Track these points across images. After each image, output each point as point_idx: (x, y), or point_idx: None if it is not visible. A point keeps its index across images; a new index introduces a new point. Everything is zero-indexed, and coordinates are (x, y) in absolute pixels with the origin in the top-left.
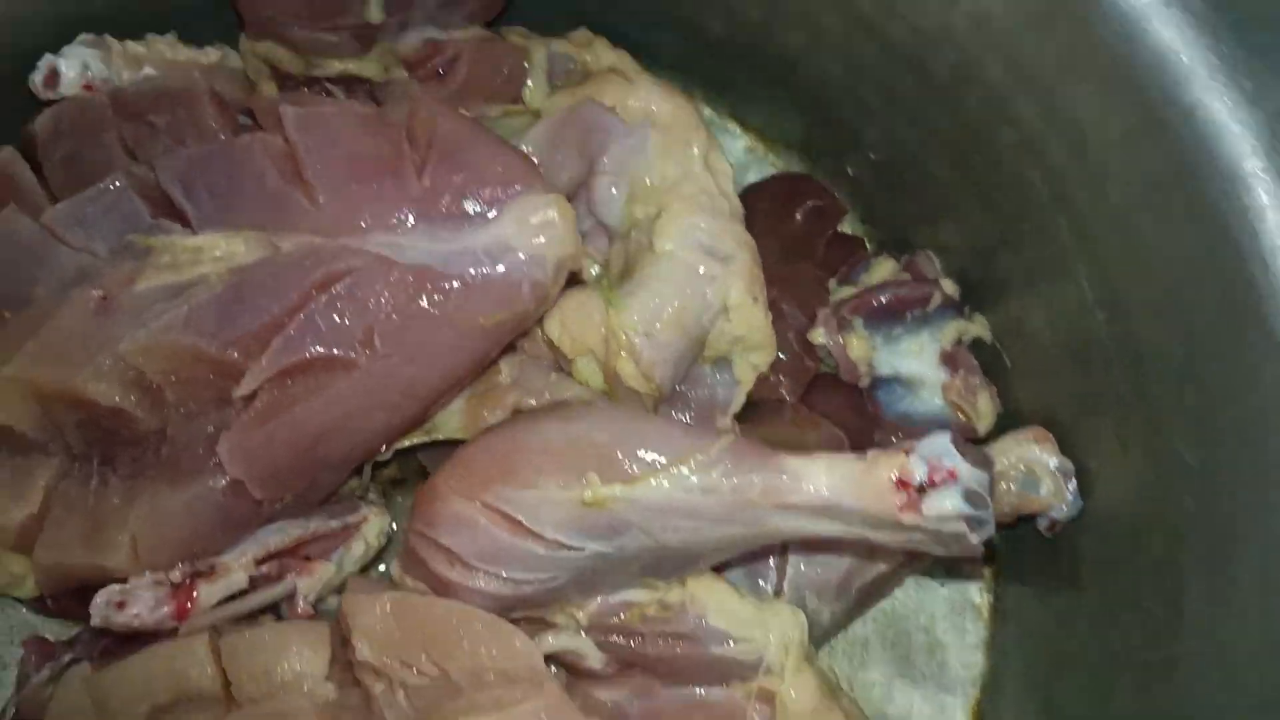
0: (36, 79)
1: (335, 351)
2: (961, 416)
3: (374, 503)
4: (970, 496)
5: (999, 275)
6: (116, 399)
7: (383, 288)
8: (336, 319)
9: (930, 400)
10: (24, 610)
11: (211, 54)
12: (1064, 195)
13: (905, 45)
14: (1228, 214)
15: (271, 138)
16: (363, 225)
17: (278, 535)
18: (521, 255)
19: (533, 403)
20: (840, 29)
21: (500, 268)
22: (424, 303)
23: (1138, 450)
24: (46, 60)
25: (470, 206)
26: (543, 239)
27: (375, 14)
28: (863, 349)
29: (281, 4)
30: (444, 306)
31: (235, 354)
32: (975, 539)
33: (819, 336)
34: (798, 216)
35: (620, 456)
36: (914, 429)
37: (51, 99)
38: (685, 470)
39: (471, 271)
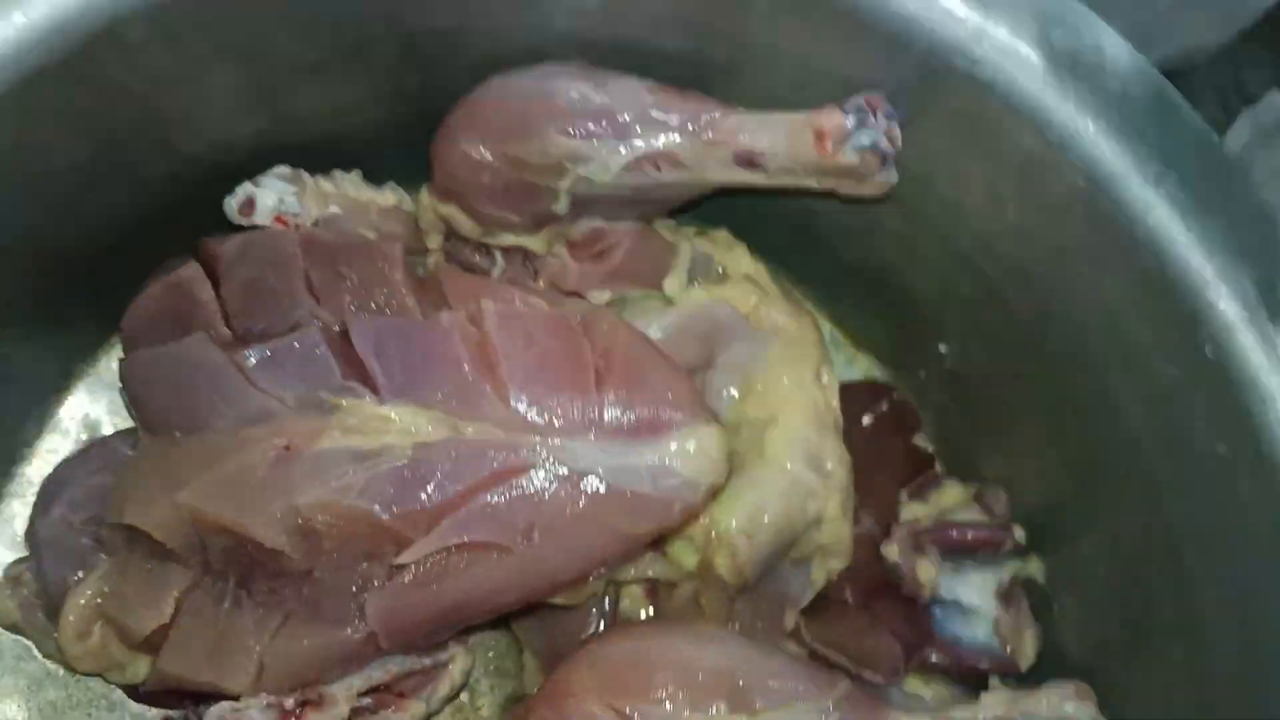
0: (233, 204)
1: (497, 538)
2: (1007, 650)
3: (461, 641)
4: None
5: (1065, 526)
6: (280, 544)
7: (551, 488)
8: (505, 509)
9: (980, 628)
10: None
11: (389, 197)
12: (1138, 456)
13: (993, 276)
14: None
15: (468, 325)
16: (541, 426)
17: (380, 670)
18: (679, 479)
19: (632, 571)
20: (977, 294)
21: (659, 487)
22: (585, 507)
23: (1182, 704)
24: (245, 189)
25: (641, 426)
26: (701, 466)
27: (562, 209)
28: (930, 573)
29: (478, 184)
30: (601, 513)
31: (405, 526)
32: None
33: (893, 554)
34: (877, 425)
35: (746, 688)
36: (962, 653)
37: (243, 225)
38: (803, 711)
39: (633, 487)
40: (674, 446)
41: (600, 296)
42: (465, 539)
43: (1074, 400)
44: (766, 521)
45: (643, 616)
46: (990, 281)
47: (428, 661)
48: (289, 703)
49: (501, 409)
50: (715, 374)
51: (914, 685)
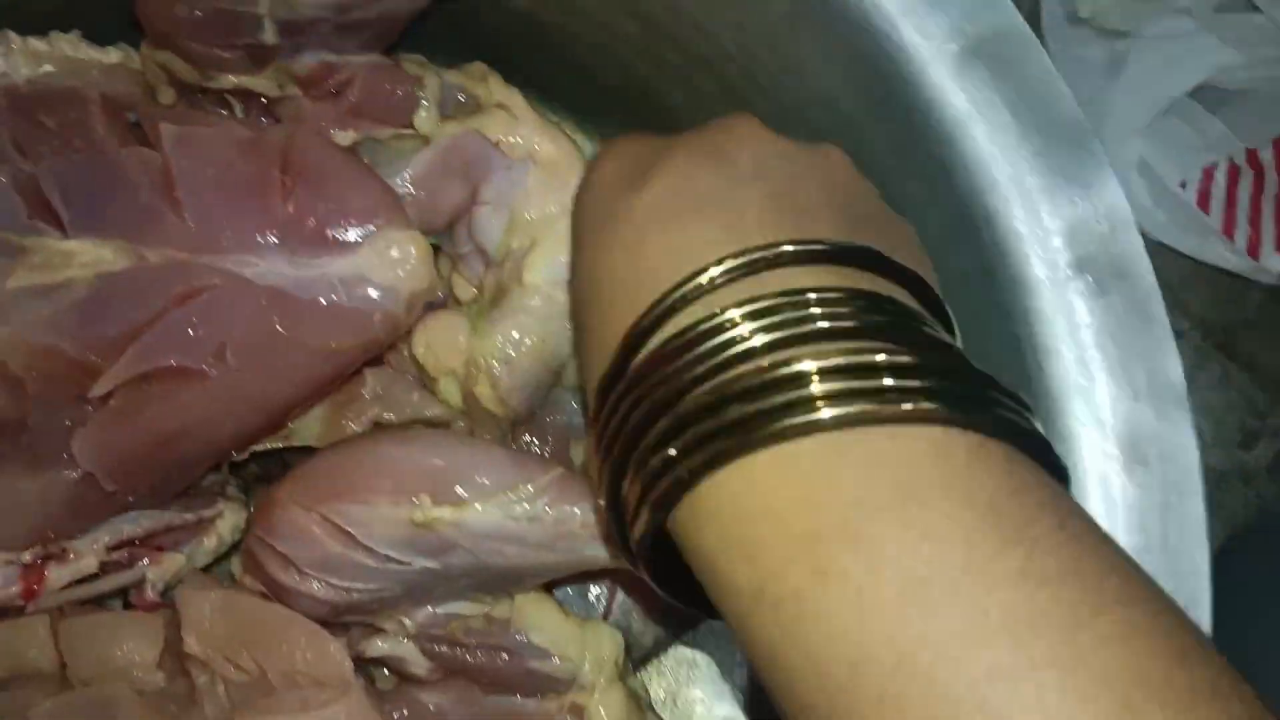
0: None
1: (188, 362)
2: None
3: (233, 498)
4: None
5: None
6: None
7: (238, 306)
8: (191, 332)
9: None
10: None
11: (113, 54)
12: None
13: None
14: (1014, 313)
15: (150, 152)
16: (225, 245)
17: (131, 525)
18: (375, 287)
19: (392, 417)
20: (717, 93)
21: (354, 297)
22: (276, 323)
23: None
24: None
25: (331, 235)
26: (399, 273)
27: (270, 37)
28: None
29: (179, 20)
30: (296, 329)
31: (94, 356)
32: None
33: None
34: None
35: (451, 481)
36: None
37: None
38: (511, 499)
39: (325, 298)
40: (367, 254)
41: (344, 138)
42: (155, 364)
43: None
44: (525, 346)
45: None
46: (729, 80)
47: (190, 516)
48: (27, 556)
49: (182, 231)
50: (480, 208)
51: None
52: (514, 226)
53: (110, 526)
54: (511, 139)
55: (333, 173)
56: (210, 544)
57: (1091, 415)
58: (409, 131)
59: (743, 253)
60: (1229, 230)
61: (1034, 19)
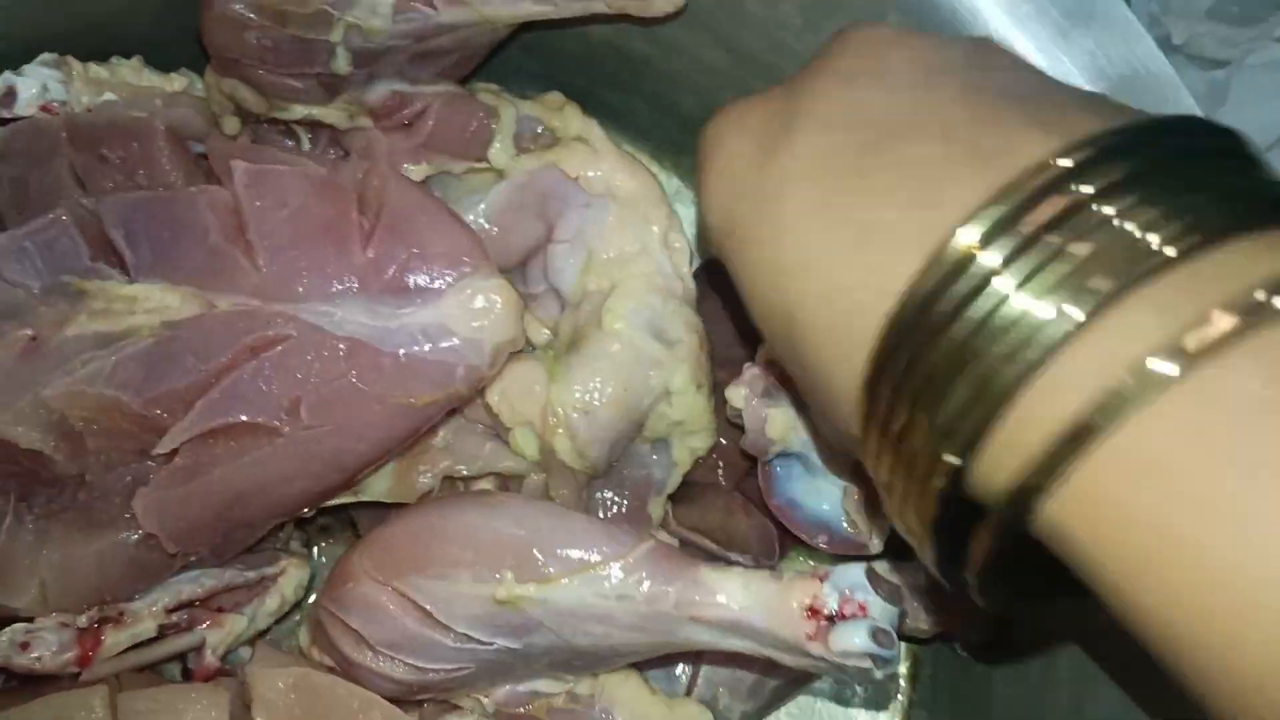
0: None
1: (259, 418)
2: (850, 529)
3: (296, 554)
4: (877, 635)
5: None
6: (35, 442)
7: (314, 358)
8: (263, 385)
9: (825, 497)
10: None
11: (177, 81)
12: None
13: None
14: None
15: (220, 191)
16: (300, 292)
17: (191, 585)
18: (459, 338)
19: (464, 470)
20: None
21: (436, 349)
22: (354, 377)
23: None
24: (4, 78)
25: (412, 282)
26: (483, 323)
27: (343, 66)
28: (783, 427)
29: (248, 47)
30: (374, 383)
31: (158, 411)
32: (879, 675)
33: (738, 398)
34: None
35: (537, 555)
36: (798, 521)
37: (6, 118)
38: (601, 575)
39: (406, 350)
40: (450, 303)
41: (417, 171)
42: (224, 420)
43: None
44: (606, 396)
45: None
46: None
47: (252, 575)
48: (84, 620)
49: (254, 277)
50: (555, 246)
51: (800, 566)
52: (591, 266)
53: (169, 587)
54: (590, 174)
55: (413, 215)
56: (273, 604)
57: None
58: (483, 165)
59: (1006, 192)
60: None
61: None
